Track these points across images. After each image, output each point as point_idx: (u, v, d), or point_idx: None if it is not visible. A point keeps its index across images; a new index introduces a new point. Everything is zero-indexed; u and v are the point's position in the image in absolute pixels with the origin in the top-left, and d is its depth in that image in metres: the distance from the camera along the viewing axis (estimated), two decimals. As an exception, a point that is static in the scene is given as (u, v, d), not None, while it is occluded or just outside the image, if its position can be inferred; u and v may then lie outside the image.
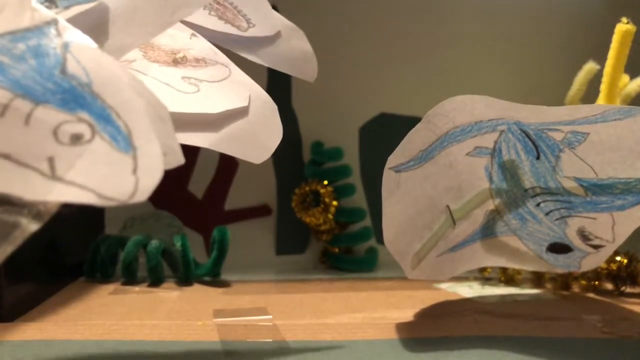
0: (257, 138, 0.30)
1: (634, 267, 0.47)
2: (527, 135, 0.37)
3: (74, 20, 0.24)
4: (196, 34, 0.32)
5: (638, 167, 0.35)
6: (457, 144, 0.37)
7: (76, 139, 0.21)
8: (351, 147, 0.63)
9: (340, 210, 0.59)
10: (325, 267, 0.61)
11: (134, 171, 0.21)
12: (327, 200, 0.58)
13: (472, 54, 0.64)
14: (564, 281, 0.48)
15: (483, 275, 0.52)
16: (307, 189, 0.59)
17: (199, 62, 0.31)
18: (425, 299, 0.44)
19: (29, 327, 0.36)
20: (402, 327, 0.37)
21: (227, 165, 0.62)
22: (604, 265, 0.46)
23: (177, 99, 0.28)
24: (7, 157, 0.20)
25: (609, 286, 0.48)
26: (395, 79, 0.64)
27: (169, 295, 0.46)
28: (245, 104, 0.30)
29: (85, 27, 0.24)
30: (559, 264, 0.42)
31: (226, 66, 0.31)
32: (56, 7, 0.24)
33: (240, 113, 0.30)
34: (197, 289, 0.48)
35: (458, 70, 0.64)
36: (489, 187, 0.40)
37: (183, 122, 0.27)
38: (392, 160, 0.35)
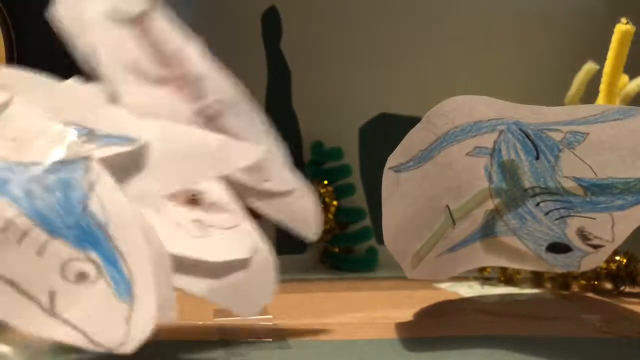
0: (251, 294, 0.31)
1: (633, 267, 0.47)
2: (527, 135, 0.37)
3: (106, 159, 0.24)
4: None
5: (637, 167, 0.35)
6: (456, 144, 0.37)
7: (81, 277, 0.22)
8: (351, 147, 0.63)
9: (340, 210, 0.59)
10: (325, 267, 0.61)
11: (127, 320, 0.22)
12: (327, 200, 0.59)
13: (472, 54, 0.64)
14: (563, 281, 0.48)
15: (483, 275, 0.52)
16: (307, 189, 0.59)
17: (212, 207, 0.31)
18: (425, 298, 0.44)
19: (29, 326, 0.36)
20: (402, 327, 0.37)
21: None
22: (603, 265, 0.46)
23: (184, 241, 0.29)
24: (12, 283, 0.21)
25: (609, 286, 0.48)
26: (395, 79, 0.64)
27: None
28: (247, 255, 0.30)
29: (115, 166, 0.24)
30: (559, 264, 0.42)
31: (237, 215, 0.32)
32: (93, 143, 0.25)
33: (240, 265, 0.30)
34: (197, 289, 0.48)
35: (458, 71, 0.64)
36: (488, 187, 0.40)
37: (185, 266, 0.28)
38: (392, 160, 0.35)
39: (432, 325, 0.38)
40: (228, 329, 0.36)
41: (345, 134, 0.63)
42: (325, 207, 0.58)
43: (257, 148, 0.31)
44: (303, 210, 0.35)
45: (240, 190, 0.33)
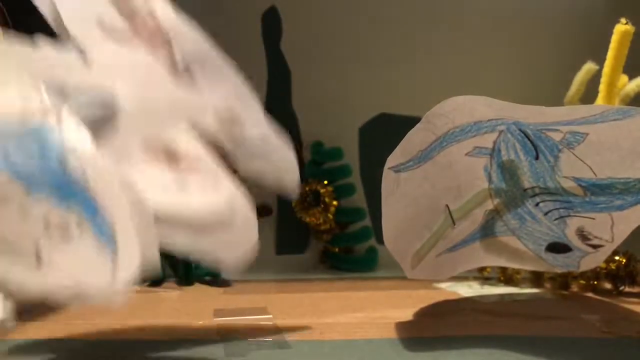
0: (232, 248, 0.31)
1: (632, 267, 0.47)
2: (526, 136, 0.37)
3: (81, 119, 0.25)
4: (193, 136, 0.33)
5: (637, 168, 0.35)
6: (456, 144, 0.37)
7: (65, 232, 0.22)
8: (351, 147, 0.63)
9: (340, 210, 0.59)
10: (325, 267, 0.61)
11: (112, 270, 0.22)
12: (327, 200, 0.59)
13: (472, 55, 0.64)
14: (563, 281, 0.49)
15: (482, 275, 0.52)
16: (307, 189, 0.60)
17: (191, 165, 0.31)
18: (424, 298, 0.44)
19: (30, 326, 0.36)
20: (401, 327, 0.37)
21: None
22: (602, 265, 0.46)
23: (163, 197, 0.29)
24: None
25: (608, 286, 0.48)
26: (395, 79, 0.64)
27: (170, 295, 0.46)
28: (226, 209, 0.30)
29: (90, 126, 0.25)
30: (558, 264, 0.42)
31: (216, 172, 0.32)
32: (65, 101, 0.25)
33: (220, 220, 0.30)
34: (197, 289, 0.48)
35: (458, 71, 0.64)
36: (488, 187, 0.40)
37: (165, 221, 0.28)
38: (392, 160, 0.35)
39: (432, 325, 0.38)
40: (228, 329, 0.36)
41: (345, 134, 0.63)
42: (325, 207, 0.58)
43: (226, 97, 0.31)
44: (282, 164, 0.35)
45: (218, 147, 0.33)
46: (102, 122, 0.26)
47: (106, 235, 0.23)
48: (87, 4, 0.31)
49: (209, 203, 0.30)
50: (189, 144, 0.31)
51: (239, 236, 0.31)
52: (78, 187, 0.23)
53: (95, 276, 0.22)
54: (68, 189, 0.23)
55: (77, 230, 0.22)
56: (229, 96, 0.32)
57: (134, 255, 0.23)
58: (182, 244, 0.29)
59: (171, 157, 0.30)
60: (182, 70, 0.32)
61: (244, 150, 0.33)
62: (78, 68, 0.28)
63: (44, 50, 0.28)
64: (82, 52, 0.29)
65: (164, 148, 0.30)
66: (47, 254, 0.22)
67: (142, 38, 0.31)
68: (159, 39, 0.32)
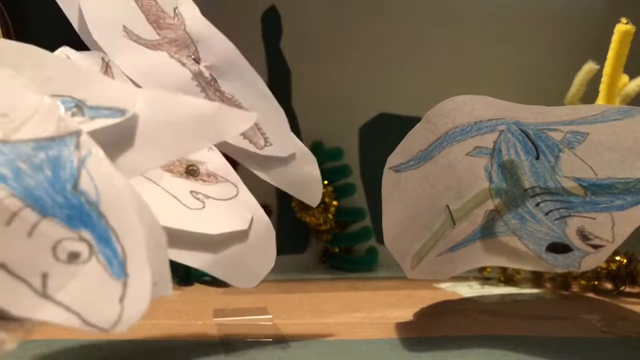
0: (250, 265, 0.31)
1: (633, 267, 0.47)
2: (527, 135, 0.37)
3: (96, 133, 0.24)
4: (213, 147, 0.32)
5: (637, 168, 0.35)
6: (456, 144, 0.37)
7: (73, 257, 0.21)
8: (351, 147, 0.63)
9: (340, 210, 0.59)
10: (325, 267, 0.61)
11: (121, 300, 0.21)
12: (327, 200, 0.58)
13: (472, 54, 0.64)
14: (563, 281, 0.49)
15: (483, 275, 0.52)
16: (307, 189, 0.59)
17: (210, 177, 0.31)
18: (425, 298, 0.44)
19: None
20: (402, 327, 0.37)
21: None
22: (603, 265, 0.46)
23: (181, 214, 0.28)
24: (2, 266, 0.20)
25: (609, 286, 0.48)
26: (395, 79, 0.64)
27: (169, 295, 0.46)
28: (245, 227, 0.30)
29: (105, 140, 0.24)
30: (559, 264, 0.42)
31: (235, 185, 0.32)
32: (82, 115, 0.24)
33: (239, 236, 0.30)
34: (197, 289, 0.48)
35: (458, 71, 0.64)
36: (488, 187, 0.40)
37: (182, 239, 0.27)
38: (392, 160, 0.35)
39: (432, 325, 0.38)
40: (228, 329, 0.36)
41: (345, 134, 0.63)
42: (325, 207, 0.58)
43: (251, 114, 0.29)
44: (304, 175, 0.34)
45: (240, 156, 0.32)
46: (118, 135, 0.25)
47: (117, 265, 0.22)
48: (115, 10, 0.30)
49: (228, 220, 0.30)
50: (210, 157, 0.31)
51: (256, 253, 0.31)
52: (90, 212, 0.22)
53: (102, 307, 0.21)
54: (80, 213, 0.22)
55: (86, 257, 0.22)
56: (253, 107, 0.31)
57: (144, 287, 0.22)
58: (197, 262, 0.28)
59: (190, 169, 0.30)
60: (209, 78, 0.32)
61: (268, 165, 0.33)
62: (98, 78, 0.27)
63: (62, 58, 0.27)
64: (104, 60, 0.29)
65: (184, 160, 0.30)
66: (53, 281, 0.21)
67: (170, 45, 0.31)
68: (187, 47, 0.31)
